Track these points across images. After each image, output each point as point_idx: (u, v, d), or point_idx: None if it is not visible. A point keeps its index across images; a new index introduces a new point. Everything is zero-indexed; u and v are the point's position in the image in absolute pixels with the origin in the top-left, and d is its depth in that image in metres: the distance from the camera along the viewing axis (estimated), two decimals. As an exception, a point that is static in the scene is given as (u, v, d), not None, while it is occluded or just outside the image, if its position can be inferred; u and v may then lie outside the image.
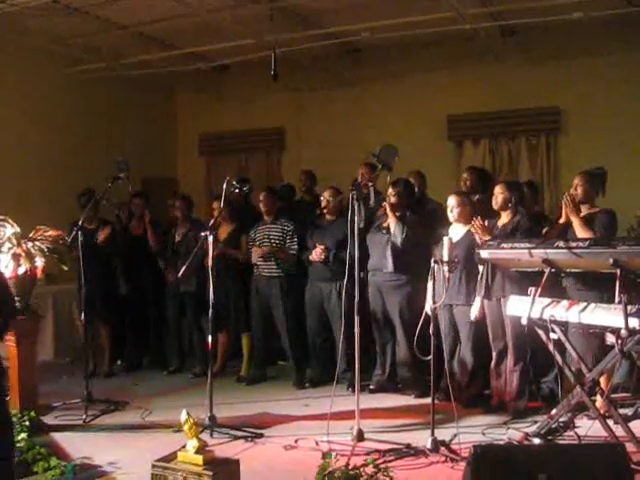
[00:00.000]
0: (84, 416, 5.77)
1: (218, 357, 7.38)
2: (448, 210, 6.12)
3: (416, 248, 6.17)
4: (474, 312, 5.81)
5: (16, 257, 5.28)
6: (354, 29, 8.20)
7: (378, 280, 6.46)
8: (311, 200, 8.11)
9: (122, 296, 7.66)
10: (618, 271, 4.56)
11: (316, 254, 6.68)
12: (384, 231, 6.41)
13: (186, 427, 4.00)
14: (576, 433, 4.91)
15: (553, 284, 5.17)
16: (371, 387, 6.54)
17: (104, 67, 9.13)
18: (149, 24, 8.10)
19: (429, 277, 5.03)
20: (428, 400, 5.10)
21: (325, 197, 6.76)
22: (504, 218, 5.86)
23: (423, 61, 9.18)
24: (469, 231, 6.00)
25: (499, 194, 5.84)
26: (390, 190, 6.37)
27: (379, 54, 9.30)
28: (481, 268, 5.76)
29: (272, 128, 10.49)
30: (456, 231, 6.06)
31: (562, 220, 5.61)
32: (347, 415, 5.24)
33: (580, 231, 5.36)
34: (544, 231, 5.97)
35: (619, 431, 4.71)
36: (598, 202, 5.63)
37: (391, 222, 6.35)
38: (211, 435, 5.18)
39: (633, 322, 4.35)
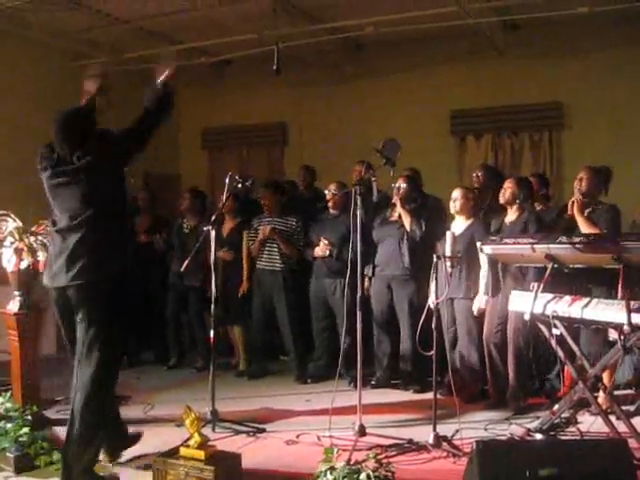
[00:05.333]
0: (86, 410, 5.76)
1: (240, 351, 7.38)
2: (451, 202, 6.13)
3: (427, 242, 6.17)
4: (476, 307, 5.82)
5: (18, 251, 5.28)
6: (357, 24, 8.17)
7: (388, 275, 6.45)
8: (310, 195, 8.09)
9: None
10: (621, 267, 4.55)
11: (321, 250, 6.68)
12: (398, 225, 6.40)
13: (188, 422, 4.00)
14: (578, 429, 4.91)
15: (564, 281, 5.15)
16: (372, 382, 6.54)
17: (107, 62, 9.12)
18: (151, 19, 8.11)
19: (432, 272, 5.03)
20: (430, 395, 5.10)
21: (331, 191, 6.73)
22: (511, 215, 5.84)
23: (426, 56, 9.17)
24: (470, 225, 6.02)
25: (507, 188, 5.83)
26: (402, 184, 6.36)
27: (382, 49, 9.29)
28: (484, 263, 5.77)
29: (274, 123, 10.49)
30: (458, 225, 6.06)
31: (569, 213, 5.59)
32: (349, 410, 5.24)
33: (584, 228, 5.35)
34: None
35: (621, 427, 4.71)
36: (602, 199, 5.62)
37: (405, 216, 6.34)
38: (213, 430, 5.19)
39: (636, 318, 4.34)
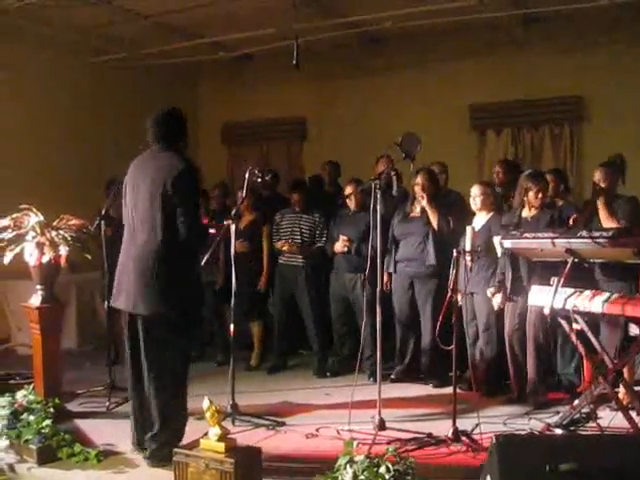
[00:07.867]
0: (107, 403, 5.81)
1: (255, 346, 7.34)
2: (471, 199, 6.11)
3: (451, 240, 6.13)
4: (497, 302, 5.79)
5: (40, 246, 5.32)
6: (376, 18, 8.16)
7: (410, 271, 6.42)
8: (334, 191, 8.09)
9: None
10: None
11: (339, 246, 6.69)
12: (422, 222, 6.35)
13: (208, 415, 4.02)
14: (598, 424, 4.88)
15: (585, 276, 5.13)
16: (392, 377, 6.53)
17: (127, 57, 9.16)
18: (171, 14, 8.12)
19: (452, 266, 5.01)
20: (449, 390, 5.10)
21: (348, 190, 6.72)
22: (530, 210, 5.77)
23: (445, 50, 9.13)
24: (489, 219, 5.99)
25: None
26: (425, 180, 6.34)
27: (401, 43, 9.27)
28: (501, 259, 5.75)
29: (294, 117, 10.49)
30: (478, 220, 6.04)
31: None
32: (368, 404, 5.24)
33: (606, 221, 5.32)
34: (571, 219, 5.87)
35: (642, 422, 4.69)
36: (620, 189, 5.60)
37: (432, 213, 6.30)
38: (233, 423, 5.22)
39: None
